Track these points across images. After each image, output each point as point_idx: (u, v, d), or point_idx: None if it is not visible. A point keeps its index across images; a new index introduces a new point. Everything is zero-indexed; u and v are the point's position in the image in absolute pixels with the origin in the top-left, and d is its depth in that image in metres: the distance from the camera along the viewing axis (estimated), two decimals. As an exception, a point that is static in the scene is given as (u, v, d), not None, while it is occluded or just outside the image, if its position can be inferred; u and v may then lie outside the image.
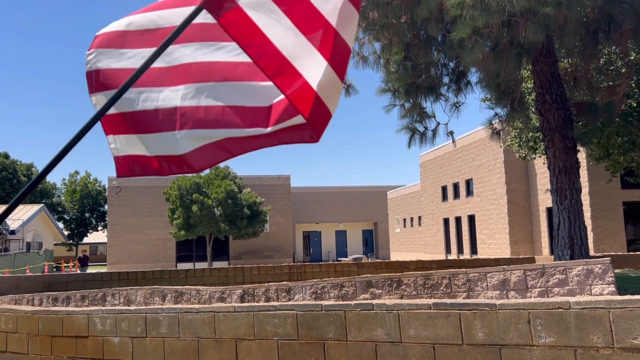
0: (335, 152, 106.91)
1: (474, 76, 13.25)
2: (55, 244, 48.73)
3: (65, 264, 41.75)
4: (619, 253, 19.73)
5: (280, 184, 42.02)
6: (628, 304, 3.93)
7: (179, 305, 6.07)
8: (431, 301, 4.56)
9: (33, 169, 53.36)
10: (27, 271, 30.69)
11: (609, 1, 9.55)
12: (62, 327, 6.41)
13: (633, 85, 15.10)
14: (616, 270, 13.00)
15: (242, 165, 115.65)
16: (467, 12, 8.80)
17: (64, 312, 6.49)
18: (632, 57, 13.50)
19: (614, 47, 12.83)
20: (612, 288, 7.15)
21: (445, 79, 13.43)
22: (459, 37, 9.13)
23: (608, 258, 7.56)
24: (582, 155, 20.22)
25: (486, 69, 11.02)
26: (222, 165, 34.41)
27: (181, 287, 11.08)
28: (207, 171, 34.30)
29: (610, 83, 13.62)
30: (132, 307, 6.09)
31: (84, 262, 24.21)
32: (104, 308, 6.24)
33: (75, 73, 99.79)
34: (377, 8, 10.82)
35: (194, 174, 33.62)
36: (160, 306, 6.05)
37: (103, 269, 37.10)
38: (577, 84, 13.01)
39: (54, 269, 40.15)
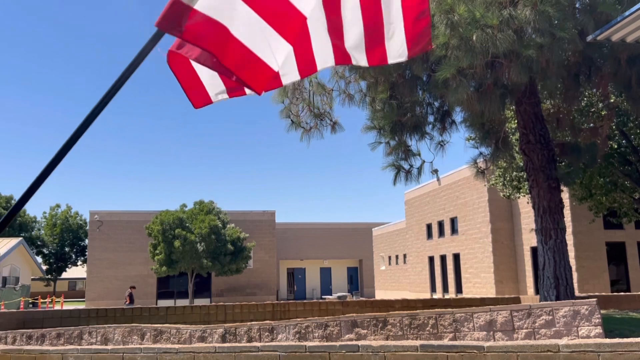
0: (320, 188, 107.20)
1: (458, 115, 13.43)
2: (32, 279, 47.56)
3: (42, 300, 40.67)
4: (603, 293, 19.73)
5: (265, 220, 41.74)
6: (618, 347, 3.87)
7: (158, 345, 5.88)
8: (418, 343, 4.45)
9: (12, 201, 52.49)
10: (2, 307, 29.82)
11: (589, 45, 9.80)
12: (34, 367, 6.15)
13: (614, 127, 15.41)
14: (601, 311, 12.94)
15: (227, 200, 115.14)
16: (452, 52, 8.96)
17: (38, 352, 6.24)
18: (612, 100, 13.80)
19: (594, 89, 13.12)
20: (599, 330, 7.08)
21: (430, 118, 13.58)
22: (444, 77, 9.26)
23: (594, 299, 7.51)
24: (565, 196, 20.40)
25: (470, 109, 11.17)
26: (206, 199, 34.19)
27: (161, 325, 10.78)
28: (190, 205, 34.01)
29: (592, 125, 13.87)
30: (109, 347, 5.87)
31: (132, 298, 23.85)
32: (79, 347, 6.01)
33: (65, 89, 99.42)
34: (364, 47, 10.97)
35: (178, 209, 33.32)
36: (138, 346, 5.85)
37: (81, 306, 36.20)
38: (560, 125, 13.23)
39: (30, 305, 39.07)
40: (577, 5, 10.00)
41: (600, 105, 14.27)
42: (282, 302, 16.64)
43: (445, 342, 4.54)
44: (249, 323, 9.77)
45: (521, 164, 14.74)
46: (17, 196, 55.30)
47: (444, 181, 31.29)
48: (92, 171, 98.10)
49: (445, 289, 31.88)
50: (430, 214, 34.04)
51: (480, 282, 28.08)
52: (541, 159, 11.77)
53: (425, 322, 8.18)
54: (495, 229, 27.41)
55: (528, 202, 14.67)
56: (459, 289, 30.32)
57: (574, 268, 22.50)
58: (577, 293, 20.26)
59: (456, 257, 30.86)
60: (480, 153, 14.36)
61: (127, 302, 23.32)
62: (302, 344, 4.86)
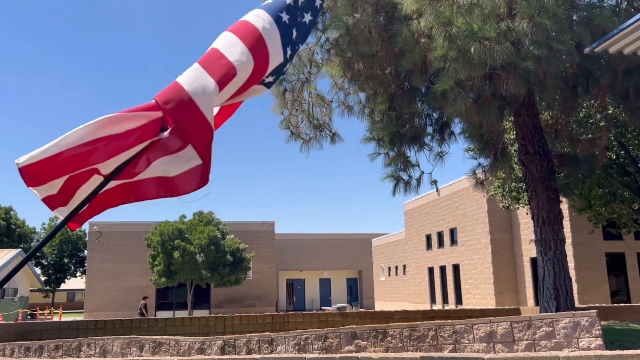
0: (319, 199, 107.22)
1: (457, 126, 13.47)
2: (31, 290, 47.35)
3: (40, 311, 40.46)
4: (603, 304, 19.67)
5: (265, 230, 41.67)
6: (618, 359, 3.86)
7: (157, 357, 5.86)
8: (418, 355, 4.44)
9: (12, 212, 52.38)
10: (0, 319, 29.68)
11: (586, 57, 9.85)
12: (32, 379, 6.12)
13: (612, 138, 15.46)
14: (601, 323, 12.90)
15: (227, 211, 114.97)
16: (450, 64, 9.00)
17: (36, 364, 6.21)
18: (610, 111, 13.86)
19: (592, 101, 13.18)
20: (599, 341, 7.06)
21: (429, 129, 13.62)
22: (442, 88, 9.30)
23: (594, 310, 7.50)
24: (564, 206, 20.43)
25: (469, 120, 11.21)
26: (206, 210, 34.15)
27: (160, 337, 10.72)
28: (190, 216, 33.97)
29: (590, 136, 13.92)
30: (108, 359, 5.85)
31: (146, 309, 23.94)
32: (78, 359, 5.99)
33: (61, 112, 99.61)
34: (362, 59, 11.05)
35: (177, 220, 33.27)
36: (137, 357, 5.83)
37: (80, 317, 36.03)
38: (559, 136, 13.27)
39: (29, 317, 38.86)
40: (574, 18, 10.07)
41: (599, 116, 14.33)
42: (281, 313, 16.59)
43: (445, 353, 4.53)
44: (248, 335, 9.73)
45: (520, 174, 14.76)
46: (16, 206, 54.96)
47: (443, 192, 31.30)
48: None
49: (445, 300, 31.78)
50: (430, 224, 34.01)
51: (480, 293, 28.00)
52: (540, 169, 11.79)
53: (425, 333, 8.16)
54: (495, 240, 27.37)
55: (527, 213, 14.67)
56: (458, 300, 30.22)
57: (573, 279, 22.45)
58: (577, 304, 20.20)
59: (456, 267, 30.80)
60: (479, 164, 14.38)
61: (144, 315, 23.24)
62: (301, 355, 4.84)
